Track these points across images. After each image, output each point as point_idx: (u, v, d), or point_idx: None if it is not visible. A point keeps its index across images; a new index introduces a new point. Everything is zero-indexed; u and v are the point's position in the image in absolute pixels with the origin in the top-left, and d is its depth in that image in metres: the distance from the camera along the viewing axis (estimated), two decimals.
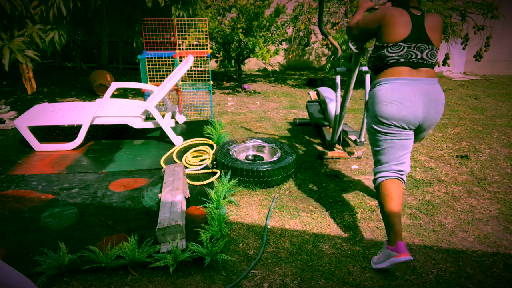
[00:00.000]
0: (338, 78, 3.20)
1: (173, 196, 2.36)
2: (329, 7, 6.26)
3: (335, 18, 6.02)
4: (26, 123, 3.39)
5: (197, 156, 3.35)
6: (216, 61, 6.92)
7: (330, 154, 3.40)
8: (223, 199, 2.58)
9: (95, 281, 1.88)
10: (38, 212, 2.43)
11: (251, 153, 3.24)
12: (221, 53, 6.30)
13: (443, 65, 5.74)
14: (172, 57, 4.42)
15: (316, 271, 1.97)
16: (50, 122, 3.44)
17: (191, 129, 4.07)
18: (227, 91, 6.18)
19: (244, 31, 5.88)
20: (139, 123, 3.53)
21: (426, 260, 2.07)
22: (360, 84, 5.99)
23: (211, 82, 4.46)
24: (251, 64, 8.19)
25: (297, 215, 2.49)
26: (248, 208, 2.56)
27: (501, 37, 7.86)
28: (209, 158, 3.19)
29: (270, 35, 6.17)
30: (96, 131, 4.01)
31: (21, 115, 3.56)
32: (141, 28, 4.94)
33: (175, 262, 1.92)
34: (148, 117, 4.10)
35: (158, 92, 3.68)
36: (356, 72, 2.90)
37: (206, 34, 4.70)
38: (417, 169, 3.21)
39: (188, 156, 3.29)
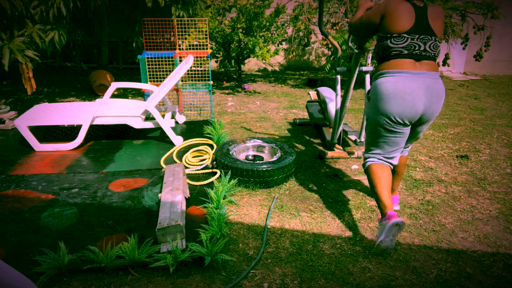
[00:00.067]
0: (338, 78, 3.20)
1: (173, 196, 2.36)
2: (329, 7, 6.26)
3: (335, 18, 6.02)
4: (26, 123, 3.39)
5: (197, 156, 3.35)
6: (216, 61, 6.92)
7: (330, 154, 3.40)
8: (223, 199, 2.58)
9: (95, 281, 1.88)
10: (38, 212, 2.43)
11: (251, 153, 3.24)
12: (221, 53, 6.30)
13: (443, 65, 5.74)
14: (172, 57, 4.42)
15: (316, 271, 1.97)
16: (50, 122, 3.44)
17: (191, 129, 4.07)
18: (227, 91, 6.18)
19: (244, 31, 5.88)
20: (139, 123, 3.53)
21: (426, 260, 2.07)
22: (360, 84, 5.99)
23: (211, 82, 4.47)
24: (251, 64, 8.19)
25: (297, 215, 2.49)
26: (248, 208, 2.56)
27: (501, 37, 7.86)
28: (209, 158, 3.19)
29: (270, 35, 6.17)
30: (96, 131, 4.01)
31: (21, 115, 3.56)
32: (141, 28, 4.94)
33: (175, 262, 1.92)
34: (148, 117, 4.10)
35: (158, 92, 3.68)
36: (356, 72, 2.90)
37: (206, 34, 4.70)
38: (417, 169, 3.21)
39: (188, 156, 3.29)
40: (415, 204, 2.64)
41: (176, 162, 3.22)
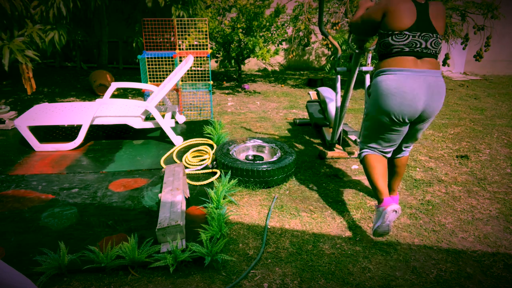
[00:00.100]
0: (338, 78, 3.20)
1: (173, 196, 2.36)
2: (329, 7, 6.26)
3: (335, 18, 6.02)
4: (26, 123, 3.39)
5: (197, 156, 3.35)
6: (216, 61, 6.92)
7: (330, 154, 3.40)
8: (223, 199, 2.58)
9: (95, 281, 1.88)
10: (38, 212, 2.43)
11: (251, 153, 3.24)
12: (221, 53, 6.30)
13: (443, 65, 5.74)
14: (172, 57, 4.42)
15: (316, 271, 1.97)
16: (50, 122, 3.44)
17: (191, 129, 4.07)
18: (227, 91, 6.18)
19: (244, 31, 5.88)
20: (139, 123, 3.53)
21: (426, 260, 2.07)
22: (360, 84, 5.99)
23: (211, 82, 4.47)
24: (251, 64, 8.19)
25: (297, 215, 2.49)
26: (248, 208, 2.56)
27: (501, 37, 7.86)
28: (209, 158, 3.19)
29: (270, 35, 6.17)
30: (96, 131, 4.01)
31: (21, 115, 3.56)
32: (141, 28, 4.94)
33: (175, 262, 1.92)
34: (148, 117, 4.10)
35: (158, 92, 3.68)
36: (356, 72, 2.90)
37: (206, 34, 4.70)
38: (417, 169, 3.21)
39: (188, 156, 3.29)
40: (415, 204, 2.64)
41: (176, 162, 3.22)
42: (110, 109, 3.74)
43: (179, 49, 4.61)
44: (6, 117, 4.07)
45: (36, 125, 3.44)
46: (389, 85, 2.07)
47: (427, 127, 2.31)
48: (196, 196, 2.67)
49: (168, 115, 3.87)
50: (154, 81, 4.63)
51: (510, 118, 4.76)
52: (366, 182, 2.96)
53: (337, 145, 3.57)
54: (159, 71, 4.64)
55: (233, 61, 6.22)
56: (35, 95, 5.56)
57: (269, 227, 2.35)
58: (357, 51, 2.72)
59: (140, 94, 5.81)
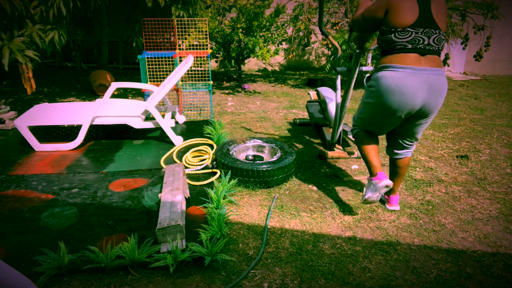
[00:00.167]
0: (338, 78, 3.19)
1: (173, 196, 2.36)
2: (329, 7, 6.26)
3: (335, 18, 6.02)
4: (26, 123, 3.39)
5: (197, 156, 3.35)
6: (216, 61, 6.92)
7: (330, 154, 3.40)
8: (223, 199, 2.58)
9: (95, 281, 1.88)
10: (38, 212, 2.43)
11: (251, 153, 3.24)
12: (221, 53, 6.30)
13: (443, 65, 5.74)
14: (172, 57, 4.42)
15: (316, 271, 1.97)
16: (50, 122, 3.44)
17: (191, 129, 4.07)
18: (227, 91, 6.18)
19: (244, 31, 5.88)
20: (139, 123, 3.53)
21: (426, 260, 2.07)
22: (360, 84, 6.00)
23: (211, 82, 4.47)
24: (251, 64, 8.19)
25: (297, 215, 2.49)
26: (248, 208, 2.56)
27: (501, 37, 7.86)
28: (209, 158, 3.19)
29: (270, 35, 6.17)
30: (96, 131, 4.01)
31: (21, 115, 3.56)
32: (141, 28, 4.94)
33: (175, 262, 1.92)
34: (148, 117, 4.10)
35: (158, 92, 3.68)
36: (356, 72, 2.90)
37: (206, 34, 4.70)
38: (417, 169, 3.21)
39: (188, 156, 3.29)
40: (415, 204, 2.64)
41: (176, 162, 3.22)
42: (110, 109, 3.74)
43: (179, 49, 4.61)
44: (6, 117, 4.07)
45: (36, 125, 3.44)
46: (390, 82, 2.09)
47: (426, 126, 2.31)
48: (196, 196, 2.67)
49: (168, 115, 3.87)
50: (154, 81, 4.63)
51: (510, 118, 4.76)
52: (366, 182, 2.96)
53: (337, 145, 3.57)
54: (159, 71, 4.64)
55: (233, 61, 6.22)
56: (35, 95, 5.56)
57: (269, 227, 2.35)
58: (357, 51, 2.72)
59: (140, 94, 5.81)
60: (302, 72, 8.10)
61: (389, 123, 2.27)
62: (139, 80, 6.19)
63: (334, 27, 5.85)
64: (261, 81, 7.13)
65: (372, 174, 2.33)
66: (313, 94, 4.42)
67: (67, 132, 3.93)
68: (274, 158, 2.99)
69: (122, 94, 5.85)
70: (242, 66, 7.36)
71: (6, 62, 3.74)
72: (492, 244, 2.22)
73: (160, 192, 2.60)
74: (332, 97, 3.72)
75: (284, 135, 4.07)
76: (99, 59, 6.49)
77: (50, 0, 4.06)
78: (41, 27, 4.15)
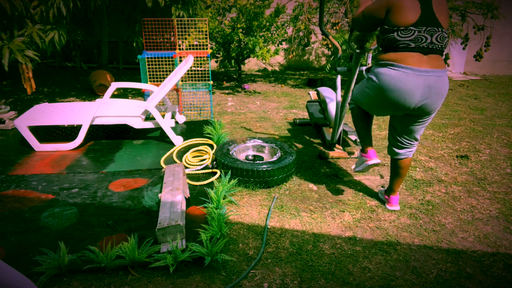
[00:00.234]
0: (338, 78, 3.19)
1: (173, 196, 2.36)
2: (329, 7, 6.26)
3: (335, 18, 6.02)
4: (26, 123, 3.39)
5: (197, 156, 3.35)
6: (216, 61, 6.92)
7: (330, 154, 3.40)
8: (223, 199, 2.58)
9: (95, 281, 1.88)
10: (38, 212, 2.43)
11: (251, 153, 3.24)
12: (221, 53, 6.30)
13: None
14: (172, 57, 4.42)
15: (316, 271, 1.97)
16: (50, 122, 3.44)
17: (191, 129, 4.07)
18: (227, 91, 6.18)
19: (244, 31, 5.88)
20: (139, 123, 3.53)
21: (426, 260, 2.07)
22: None
23: (211, 82, 4.46)
24: (251, 64, 8.19)
25: (297, 215, 2.49)
26: (248, 208, 2.56)
27: (501, 37, 7.86)
28: (209, 158, 3.19)
29: (270, 35, 6.17)
30: (96, 131, 4.01)
31: (21, 115, 3.56)
32: (141, 28, 4.94)
33: (175, 262, 1.92)
34: (148, 117, 4.10)
35: (158, 92, 3.68)
36: (357, 72, 2.89)
37: (206, 34, 4.70)
38: (417, 169, 3.21)
39: (188, 156, 3.29)
40: (415, 204, 2.64)
41: (176, 162, 3.22)
42: (110, 109, 3.74)
43: (179, 49, 4.61)
44: (6, 117, 4.07)
45: (36, 125, 3.44)
46: (389, 80, 2.10)
47: (425, 125, 2.31)
48: (196, 196, 2.67)
49: (168, 115, 3.87)
50: (154, 81, 4.63)
51: (510, 118, 4.76)
52: (366, 182, 2.96)
53: (337, 145, 3.57)
54: (159, 71, 4.64)
55: (233, 61, 6.22)
56: (35, 95, 5.56)
57: (269, 227, 2.35)
58: (357, 51, 2.72)
59: (140, 94, 5.81)
60: (302, 72, 8.10)
61: (385, 113, 2.34)
62: (139, 80, 6.19)
63: (334, 27, 5.85)
64: (261, 81, 7.13)
65: (363, 150, 2.52)
66: (313, 94, 4.42)
67: (67, 132, 3.93)
68: (274, 158, 2.99)
69: (122, 94, 5.85)
70: (242, 66, 7.36)
71: (6, 62, 3.74)
72: (492, 244, 2.22)
73: (160, 192, 2.60)
74: (332, 97, 3.72)
75: (284, 135, 4.07)
76: (99, 59, 6.49)
77: (50, 0, 4.06)
78: (41, 27, 4.15)
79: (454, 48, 7.38)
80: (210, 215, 2.31)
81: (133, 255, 1.93)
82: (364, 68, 2.47)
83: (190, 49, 4.76)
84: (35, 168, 3.09)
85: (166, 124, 3.56)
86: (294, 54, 7.83)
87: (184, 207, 2.37)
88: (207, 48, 4.74)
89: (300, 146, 3.74)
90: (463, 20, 5.72)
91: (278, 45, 6.42)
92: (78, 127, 3.76)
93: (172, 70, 4.48)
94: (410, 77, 2.05)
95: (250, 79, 7.24)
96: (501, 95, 6.12)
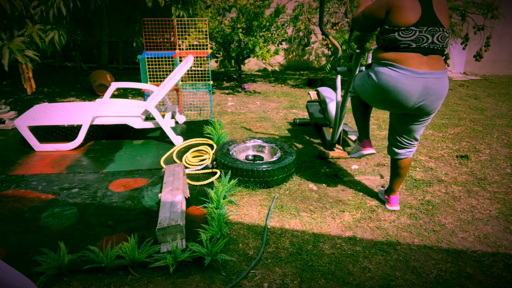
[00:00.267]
0: (338, 78, 3.19)
1: (173, 196, 2.36)
2: (329, 7, 6.26)
3: (335, 18, 6.02)
4: (26, 123, 3.39)
5: (197, 156, 3.35)
6: (216, 61, 6.92)
7: (330, 154, 3.39)
8: (223, 199, 2.58)
9: (95, 281, 1.88)
10: (38, 212, 2.43)
11: (251, 153, 3.24)
12: (221, 53, 6.30)
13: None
14: (172, 57, 4.42)
15: (316, 271, 1.97)
16: (50, 122, 3.44)
17: (191, 129, 4.07)
18: (227, 91, 6.18)
19: (244, 31, 5.88)
20: (139, 123, 3.53)
21: (426, 260, 2.07)
22: None
23: (211, 82, 4.46)
24: (251, 64, 8.19)
25: (297, 215, 2.49)
26: (248, 208, 2.56)
27: (501, 37, 7.86)
28: (209, 158, 3.19)
29: (270, 35, 6.17)
30: (96, 131, 4.01)
31: (21, 115, 3.56)
32: (141, 28, 4.94)
33: (175, 262, 1.92)
34: (148, 117, 4.10)
35: (158, 92, 3.68)
36: (357, 72, 2.89)
37: (206, 34, 4.70)
38: (417, 169, 3.21)
39: (188, 156, 3.29)
40: (415, 204, 2.64)
41: (176, 162, 3.22)
42: (110, 109, 3.74)
43: (179, 49, 4.61)
44: (6, 117, 4.07)
45: (36, 125, 3.44)
46: (388, 80, 2.11)
47: (424, 125, 2.31)
48: (196, 196, 2.67)
49: (168, 115, 3.87)
50: (154, 81, 4.63)
51: (510, 118, 4.76)
52: (366, 182, 2.96)
53: (337, 145, 3.56)
54: (159, 71, 4.64)
55: (233, 61, 6.22)
56: (35, 95, 5.56)
57: (269, 227, 2.35)
58: (357, 51, 2.72)
59: (140, 94, 5.81)
60: (302, 72, 8.10)
61: (383, 108, 2.36)
62: (139, 80, 6.19)
63: (334, 27, 5.85)
64: (261, 81, 7.13)
65: (360, 139, 2.65)
66: (313, 94, 4.42)
67: (67, 132, 3.93)
68: (274, 158, 2.99)
69: (122, 94, 5.85)
70: (242, 66, 7.36)
71: (6, 62, 3.74)
72: (492, 244, 2.22)
73: (160, 192, 2.60)
74: (332, 97, 3.72)
75: (284, 135, 4.07)
76: (99, 59, 6.49)
77: (50, 0, 4.06)
78: (41, 27, 4.15)
79: (454, 48, 7.38)
80: (210, 215, 2.31)
81: (133, 255, 1.93)
82: (365, 64, 2.47)
83: (190, 49, 4.76)
84: (35, 168, 3.09)
85: (166, 124, 3.56)
86: (294, 54, 7.83)
87: (184, 207, 2.37)
88: (207, 48, 4.74)
89: (300, 146, 3.74)
90: (463, 20, 5.72)
91: (278, 45, 6.42)
92: (78, 127, 3.76)
93: (172, 70, 4.48)
94: (408, 79, 2.06)
95: (250, 79, 7.24)
96: (501, 95, 6.12)
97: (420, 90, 2.07)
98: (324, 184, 2.93)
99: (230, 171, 2.78)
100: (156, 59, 4.58)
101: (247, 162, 2.86)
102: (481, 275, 1.96)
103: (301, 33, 6.50)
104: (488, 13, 5.52)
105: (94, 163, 3.21)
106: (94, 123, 3.49)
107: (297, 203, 2.64)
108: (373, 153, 2.61)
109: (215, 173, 3.00)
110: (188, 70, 4.62)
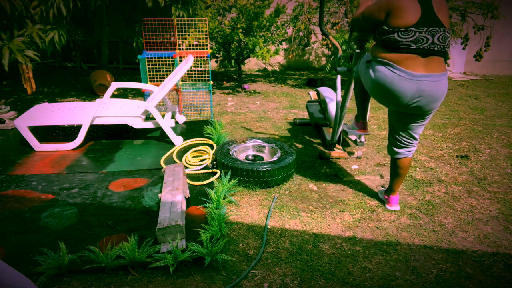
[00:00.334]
0: (338, 78, 3.19)
1: (173, 196, 2.36)
2: (329, 7, 6.26)
3: (335, 18, 6.02)
4: (26, 123, 3.39)
5: (197, 156, 3.35)
6: (216, 61, 6.92)
7: (330, 154, 3.39)
8: (223, 199, 2.58)
9: (95, 281, 1.88)
10: (38, 212, 2.43)
11: (251, 153, 3.24)
12: (221, 53, 6.30)
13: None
14: (172, 57, 4.42)
15: (316, 271, 1.97)
16: (50, 122, 3.44)
17: (191, 129, 4.07)
18: (227, 91, 6.18)
19: (244, 31, 5.88)
20: (139, 123, 3.53)
21: (426, 260, 2.07)
22: None
23: (211, 82, 4.47)
24: (251, 64, 8.19)
25: (297, 215, 2.49)
26: (248, 208, 2.56)
27: (501, 37, 7.86)
28: (209, 158, 3.19)
29: (270, 35, 6.16)
30: (96, 131, 4.01)
31: (21, 115, 3.56)
32: (141, 28, 4.94)
33: (175, 262, 1.92)
34: (148, 117, 4.10)
35: (158, 92, 3.68)
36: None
37: (206, 34, 4.70)
38: (417, 169, 3.21)
39: (188, 156, 3.29)
40: (415, 204, 2.64)
41: (176, 162, 3.22)
42: (110, 109, 3.74)
43: (179, 49, 4.61)
44: (6, 117, 4.07)
45: (36, 125, 3.44)
46: (383, 79, 2.13)
47: (423, 125, 2.31)
48: (196, 196, 2.67)
49: (168, 115, 3.87)
50: (154, 81, 4.63)
51: (510, 118, 4.76)
52: (366, 182, 2.96)
53: (337, 145, 3.57)
54: (159, 71, 4.64)
55: (233, 61, 6.22)
56: (35, 95, 5.56)
57: (269, 227, 2.35)
58: (357, 51, 2.72)
59: (140, 94, 5.81)
60: (302, 72, 8.10)
61: (379, 101, 2.37)
62: (139, 80, 6.19)
63: (334, 27, 5.85)
64: (261, 81, 7.13)
65: (357, 119, 2.92)
66: (313, 94, 4.42)
67: (67, 132, 3.93)
68: (274, 158, 2.99)
69: (122, 94, 5.85)
70: (242, 66, 7.36)
71: (6, 62, 3.74)
72: (492, 244, 2.22)
73: (160, 192, 2.60)
74: (332, 97, 3.72)
75: (284, 135, 4.07)
76: (99, 59, 6.49)
77: (50, 0, 4.05)
78: (41, 27, 4.15)
79: (454, 48, 7.38)
80: (210, 215, 2.31)
81: (133, 255, 1.93)
82: (365, 60, 2.46)
83: (190, 49, 4.76)
84: (35, 168, 3.09)
85: (166, 124, 3.56)
86: (294, 54, 7.83)
87: (184, 207, 2.37)
88: (207, 48, 4.74)
89: (300, 146, 3.74)
90: (463, 20, 5.72)
91: (278, 45, 6.42)
92: (78, 127, 3.76)
93: (172, 70, 4.48)
94: (403, 80, 2.08)
95: (250, 79, 7.24)
96: (501, 95, 6.12)
97: (413, 91, 2.09)
98: (324, 184, 2.93)
99: (230, 171, 2.78)
100: (156, 59, 4.58)
101: (247, 162, 2.86)
102: (481, 275, 1.96)
103: (301, 33, 6.50)
104: (488, 13, 5.52)
105: (94, 163, 3.21)
106: (94, 123, 3.49)
107: (297, 203, 2.64)
108: (367, 134, 3.09)
109: (215, 173, 3.00)
110: (188, 70, 4.63)
